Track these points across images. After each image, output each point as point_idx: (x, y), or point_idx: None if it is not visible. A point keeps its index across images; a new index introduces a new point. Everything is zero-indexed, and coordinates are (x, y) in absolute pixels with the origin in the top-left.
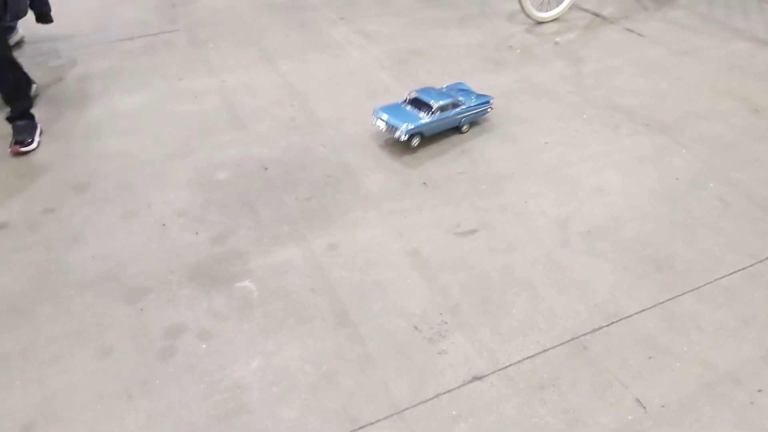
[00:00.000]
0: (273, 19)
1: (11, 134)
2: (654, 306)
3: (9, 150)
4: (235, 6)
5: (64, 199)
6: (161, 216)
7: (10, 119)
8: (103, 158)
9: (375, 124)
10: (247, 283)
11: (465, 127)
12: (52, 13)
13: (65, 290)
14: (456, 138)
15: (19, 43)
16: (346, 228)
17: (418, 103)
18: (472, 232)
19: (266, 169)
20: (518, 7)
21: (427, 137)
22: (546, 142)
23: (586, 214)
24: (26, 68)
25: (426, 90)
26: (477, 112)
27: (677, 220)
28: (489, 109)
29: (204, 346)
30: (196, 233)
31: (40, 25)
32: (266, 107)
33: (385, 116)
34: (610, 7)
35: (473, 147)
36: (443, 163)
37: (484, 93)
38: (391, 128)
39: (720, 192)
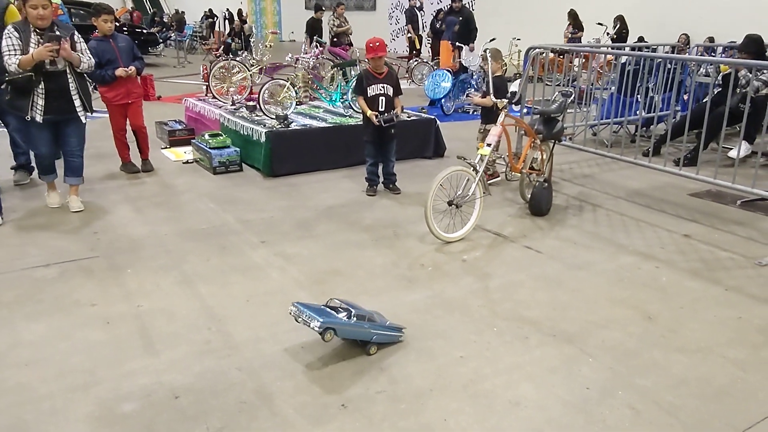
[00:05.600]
0: (195, 245)
1: None
2: None
3: None
4: (157, 233)
5: None
6: None
7: None
8: None
9: (291, 314)
10: None
11: (373, 348)
12: None
13: None
14: (374, 355)
15: None
16: None
17: (336, 309)
18: None
19: (177, 397)
20: (427, 229)
21: (340, 338)
22: (461, 356)
23: (505, 430)
24: None
25: (346, 302)
26: (389, 335)
27: None
28: (400, 339)
29: None
30: None
31: None
32: (181, 331)
33: (303, 309)
34: (509, 227)
35: (392, 364)
36: (362, 381)
37: (397, 324)
38: (308, 318)
39: (629, 400)
